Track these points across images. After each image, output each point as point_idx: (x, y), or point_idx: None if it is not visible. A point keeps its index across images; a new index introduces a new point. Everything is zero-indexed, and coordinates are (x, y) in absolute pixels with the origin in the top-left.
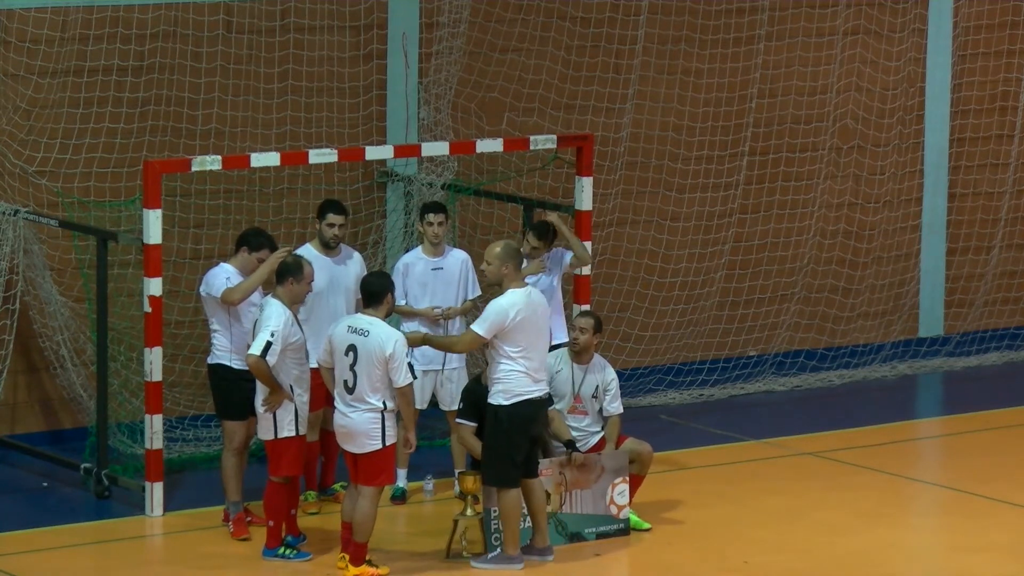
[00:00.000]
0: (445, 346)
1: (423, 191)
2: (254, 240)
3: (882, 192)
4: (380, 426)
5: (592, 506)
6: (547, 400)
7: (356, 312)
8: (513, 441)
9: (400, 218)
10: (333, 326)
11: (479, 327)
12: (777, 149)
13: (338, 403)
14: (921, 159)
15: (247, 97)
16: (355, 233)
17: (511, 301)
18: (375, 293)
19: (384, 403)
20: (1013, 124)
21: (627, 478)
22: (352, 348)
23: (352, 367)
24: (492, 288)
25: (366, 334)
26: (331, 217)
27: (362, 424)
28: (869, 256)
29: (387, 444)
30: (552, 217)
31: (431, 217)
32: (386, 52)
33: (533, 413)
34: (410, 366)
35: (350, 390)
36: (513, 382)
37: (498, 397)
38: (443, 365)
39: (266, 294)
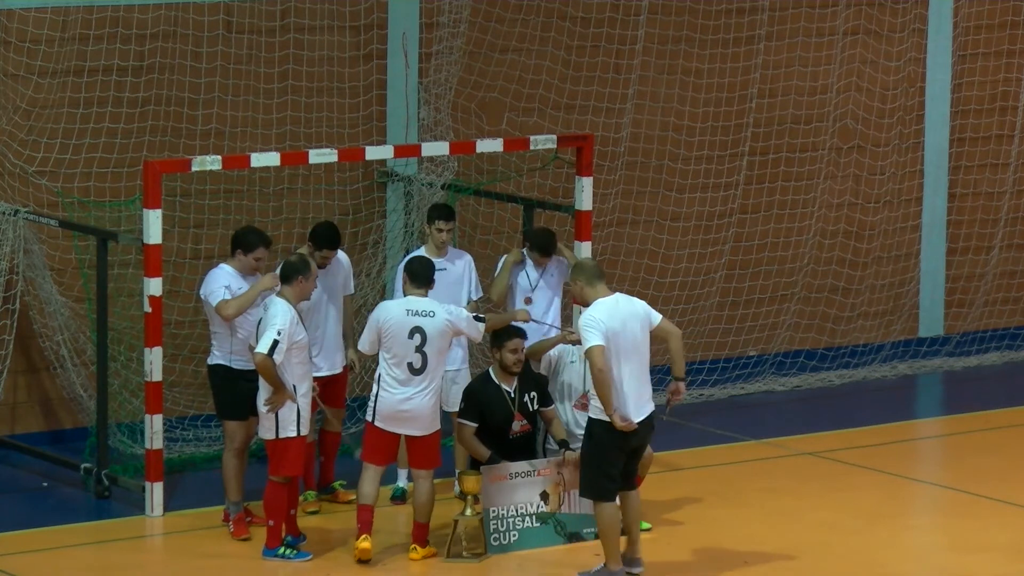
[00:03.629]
0: (599, 386)
1: (423, 191)
2: (245, 240)
3: (882, 192)
4: (439, 408)
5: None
6: (647, 419)
7: (344, 312)
8: (608, 456)
9: (400, 218)
10: (381, 312)
11: (592, 340)
12: (777, 149)
13: (396, 387)
14: (921, 159)
15: (247, 97)
16: (355, 233)
17: (596, 308)
18: (426, 276)
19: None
20: (1013, 124)
21: None
22: (418, 330)
23: (420, 348)
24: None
25: (432, 315)
26: (327, 252)
27: (429, 407)
28: (869, 256)
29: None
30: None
31: (440, 224)
32: (386, 52)
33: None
34: (475, 316)
35: (418, 371)
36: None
37: (595, 410)
38: (451, 366)
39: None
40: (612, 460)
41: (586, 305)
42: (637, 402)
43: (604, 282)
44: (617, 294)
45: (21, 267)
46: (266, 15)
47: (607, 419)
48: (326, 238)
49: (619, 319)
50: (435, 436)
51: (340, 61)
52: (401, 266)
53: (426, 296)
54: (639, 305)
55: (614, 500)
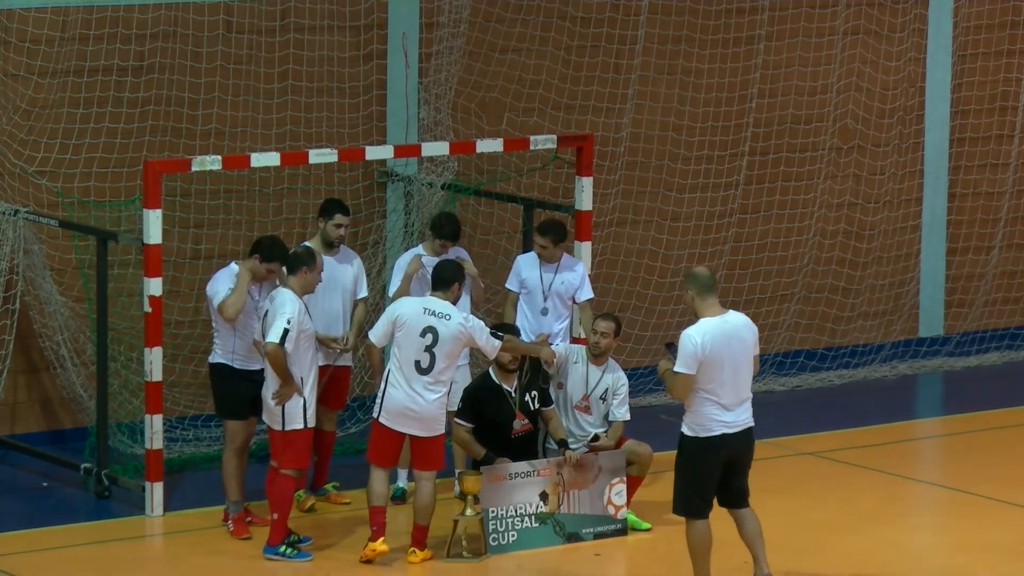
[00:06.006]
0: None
1: (423, 191)
2: (266, 249)
3: (882, 192)
4: (444, 411)
5: (589, 506)
6: (742, 434)
7: (350, 311)
8: (699, 473)
9: (400, 218)
10: (399, 306)
11: (681, 366)
12: (777, 149)
13: (403, 384)
14: (921, 159)
15: (247, 97)
16: (355, 233)
17: (700, 330)
18: (447, 280)
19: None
20: (1013, 124)
21: (624, 478)
22: (431, 330)
23: (430, 348)
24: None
25: (448, 318)
26: (339, 218)
27: (435, 408)
28: (869, 256)
29: (445, 429)
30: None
31: (447, 243)
32: (386, 52)
33: (721, 444)
34: (493, 333)
35: (424, 370)
36: (702, 414)
37: (684, 427)
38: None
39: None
40: (705, 476)
41: (697, 316)
42: (730, 411)
43: (716, 296)
44: (730, 312)
45: (21, 267)
46: (266, 15)
47: (695, 436)
48: (333, 205)
49: (723, 336)
50: (439, 439)
51: (340, 61)
52: (399, 264)
53: (449, 301)
54: (751, 331)
55: (705, 518)
